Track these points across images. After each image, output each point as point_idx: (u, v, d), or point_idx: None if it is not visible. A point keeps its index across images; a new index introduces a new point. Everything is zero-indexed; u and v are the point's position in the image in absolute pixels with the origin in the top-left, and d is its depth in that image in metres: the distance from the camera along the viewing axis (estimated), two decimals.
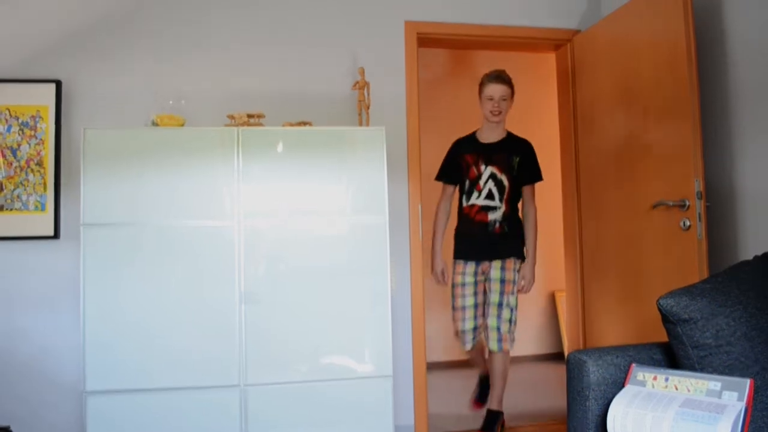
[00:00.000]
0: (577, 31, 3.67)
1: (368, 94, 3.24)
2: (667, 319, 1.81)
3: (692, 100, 2.59)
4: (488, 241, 3.26)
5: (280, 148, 2.86)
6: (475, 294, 3.29)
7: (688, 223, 2.60)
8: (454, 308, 3.34)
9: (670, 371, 1.74)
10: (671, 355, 1.90)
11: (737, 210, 2.64)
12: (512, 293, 3.23)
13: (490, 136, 3.36)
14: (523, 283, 3.28)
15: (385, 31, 3.50)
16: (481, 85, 3.33)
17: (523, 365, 5.06)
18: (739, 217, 2.63)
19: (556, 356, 5.24)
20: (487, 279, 3.29)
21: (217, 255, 2.79)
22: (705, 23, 2.79)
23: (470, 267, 3.30)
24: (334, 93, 3.40)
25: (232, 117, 2.94)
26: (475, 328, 3.30)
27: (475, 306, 3.29)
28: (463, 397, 4.09)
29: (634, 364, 1.81)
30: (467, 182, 3.33)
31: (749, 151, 2.58)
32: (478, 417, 3.50)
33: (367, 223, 2.88)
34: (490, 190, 3.26)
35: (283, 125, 2.97)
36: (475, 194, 3.29)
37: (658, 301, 1.80)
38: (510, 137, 3.38)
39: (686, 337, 1.78)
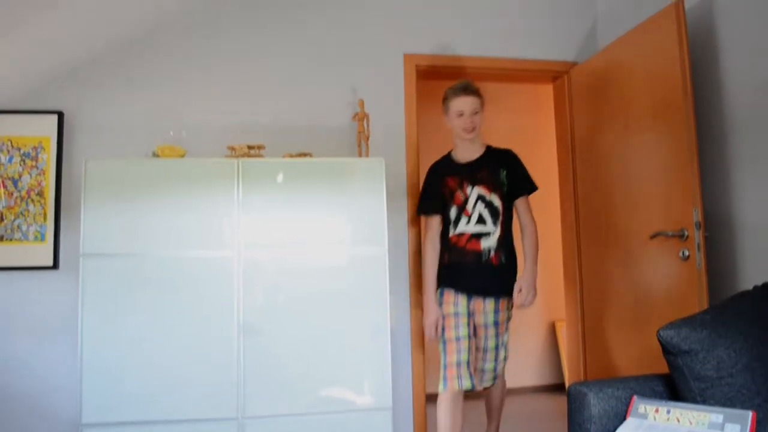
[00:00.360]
0: (574, 63, 3.72)
1: (368, 126, 3.26)
2: (667, 350, 1.80)
3: (689, 130, 2.61)
4: (483, 274, 2.83)
5: (280, 179, 2.88)
6: (468, 325, 2.83)
7: (687, 253, 2.60)
8: (446, 340, 2.81)
9: (672, 403, 1.73)
10: (673, 387, 1.89)
11: (736, 239, 2.64)
12: (506, 331, 2.92)
13: (468, 154, 2.96)
14: (524, 295, 2.81)
15: (384, 64, 3.55)
16: (446, 100, 2.93)
17: (523, 397, 5.00)
18: (738, 246, 2.63)
19: (557, 387, 5.19)
20: (479, 321, 2.87)
21: (217, 286, 2.79)
22: (700, 54, 2.83)
23: (462, 299, 2.84)
24: (334, 124, 3.43)
25: (232, 148, 2.96)
26: (469, 362, 2.78)
27: (469, 337, 2.82)
28: (463, 428, 4.04)
29: (635, 396, 1.80)
30: (453, 209, 2.89)
31: (746, 181, 2.59)
32: None
33: (367, 255, 2.89)
34: (480, 214, 2.85)
35: (284, 156, 2.99)
36: (464, 220, 2.86)
37: (658, 332, 1.80)
38: (490, 151, 2.97)
39: (687, 369, 1.77)
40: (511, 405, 4.73)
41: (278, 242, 2.84)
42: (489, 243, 2.84)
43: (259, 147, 2.98)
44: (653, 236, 2.78)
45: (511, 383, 5.13)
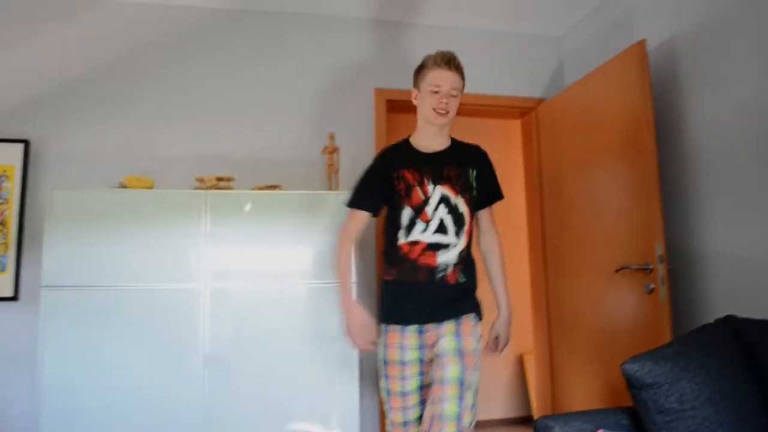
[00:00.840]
0: (541, 100, 3.80)
1: (338, 159, 3.28)
2: (631, 383, 1.82)
3: (651, 166, 2.68)
4: (437, 296, 2.21)
5: (248, 210, 2.87)
6: (420, 375, 2.21)
7: (651, 286, 2.64)
8: (389, 392, 2.23)
9: None
10: (638, 420, 1.90)
11: (699, 272, 2.70)
12: (475, 369, 2.14)
13: (432, 143, 2.34)
14: (502, 344, 2.35)
15: (355, 98, 3.58)
16: (423, 68, 2.33)
17: (491, 430, 4.98)
18: (701, 279, 2.69)
19: (525, 420, 5.18)
20: (436, 350, 2.17)
21: (183, 318, 2.74)
22: (663, 93, 2.92)
23: (411, 337, 2.21)
24: (304, 157, 3.44)
25: (201, 180, 2.95)
26: (419, 419, 2.21)
27: (420, 388, 2.21)
28: None
29: (601, 430, 1.81)
30: (407, 211, 2.24)
31: (707, 214, 2.66)
32: None
33: (336, 287, 2.87)
34: (441, 221, 2.22)
35: (253, 188, 2.99)
36: (420, 226, 2.22)
37: (622, 366, 1.82)
38: (457, 144, 2.40)
39: (651, 402, 1.79)
40: None
41: (246, 274, 2.82)
42: (447, 258, 2.21)
43: (229, 179, 2.97)
44: (618, 270, 2.82)
45: (479, 416, 5.11)
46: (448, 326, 2.17)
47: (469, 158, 2.35)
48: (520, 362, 5.29)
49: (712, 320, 2.22)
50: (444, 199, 2.24)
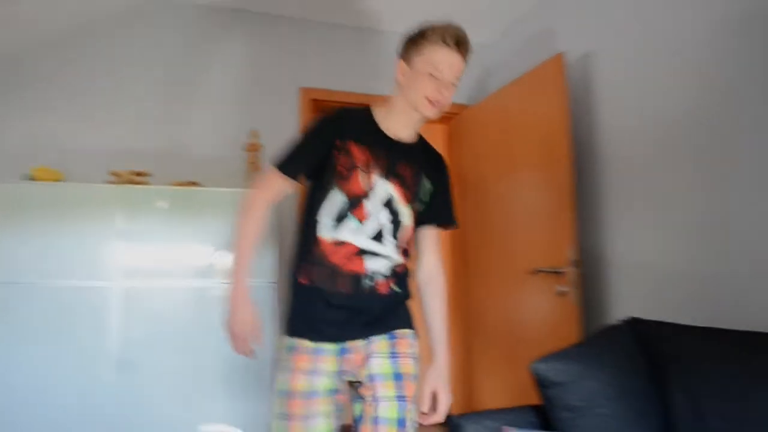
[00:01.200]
0: (466, 106, 3.87)
1: (261, 156, 3.24)
2: (539, 382, 1.88)
3: (567, 174, 2.78)
4: (366, 307, 1.71)
5: (165, 207, 2.79)
6: (333, 413, 1.65)
7: (563, 289, 2.74)
8: (288, 415, 1.63)
9: None
10: (546, 417, 1.97)
11: (607, 276, 2.81)
12: (414, 399, 1.70)
13: (402, 130, 1.81)
14: (442, 404, 1.75)
15: (280, 96, 3.55)
16: (423, 40, 1.75)
17: None
18: (609, 282, 2.80)
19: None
20: (365, 377, 1.68)
21: (93, 317, 2.65)
22: (579, 103, 3.03)
23: (327, 359, 1.67)
24: (225, 154, 3.38)
25: (116, 174, 2.85)
26: None
27: (331, 415, 1.65)
28: None
29: (506, 428, 1.86)
30: (339, 197, 1.71)
31: (617, 221, 2.78)
32: None
33: (255, 286, 2.83)
34: (380, 227, 1.73)
35: (171, 184, 2.91)
36: (352, 223, 1.70)
37: (531, 365, 1.87)
38: (424, 144, 1.91)
39: (557, 400, 1.85)
40: None
41: (162, 273, 2.75)
42: (377, 266, 1.72)
43: (145, 173, 2.89)
44: (534, 273, 2.91)
45: None
46: (379, 343, 1.70)
47: (429, 166, 1.86)
48: None
49: (617, 321, 2.32)
50: (389, 201, 1.74)
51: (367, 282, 1.70)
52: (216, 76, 3.47)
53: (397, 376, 1.67)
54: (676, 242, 2.46)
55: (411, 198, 1.78)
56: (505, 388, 3.19)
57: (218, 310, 2.81)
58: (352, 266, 1.70)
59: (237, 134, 3.42)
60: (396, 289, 1.76)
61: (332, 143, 1.72)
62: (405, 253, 1.81)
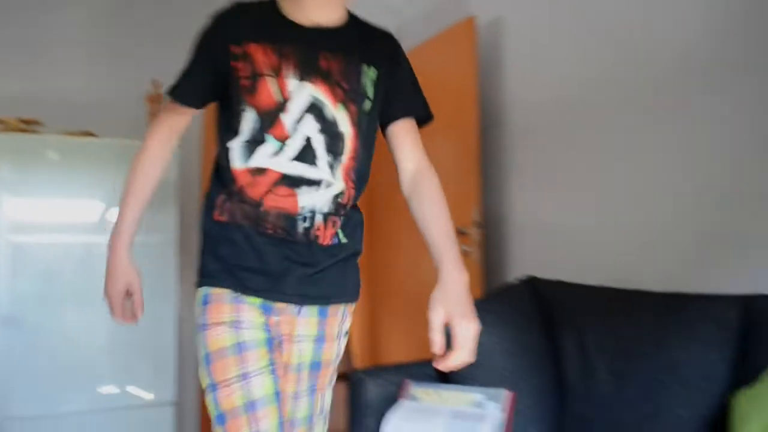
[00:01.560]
0: None
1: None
2: None
3: (474, 138, 2.83)
4: (298, 260, 1.36)
5: (57, 158, 2.64)
6: (272, 364, 1.32)
7: (466, 249, 2.81)
8: (222, 417, 1.27)
9: (441, 386, 1.86)
10: (444, 372, 2.03)
11: (509, 237, 2.92)
12: (330, 383, 1.49)
13: (316, 11, 1.39)
14: (462, 345, 1.31)
15: (183, 45, 3.40)
16: None
17: None
18: (510, 243, 2.91)
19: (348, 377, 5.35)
20: (285, 357, 1.40)
21: None
22: (489, 70, 3.07)
23: (250, 310, 1.33)
24: (125, 104, 3.22)
25: (1, 121, 2.66)
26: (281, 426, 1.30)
27: (277, 395, 1.30)
28: None
29: (407, 381, 1.91)
30: (249, 114, 1.34)
31: (518, 185, 2.87)
32: None
33: (154, 242, 2.75)
34: (308, 142, 1.35)
35: (64, 134, 2.75)
36: (270, 145, 1.34)
37: None
38: (358, 23, 1.49)
39: None
40: None
41: (53, 227, 2.61)
42: (314, 200, 1.35)
43: (34, 122, 2.71)
44: None
45: None
46: (308, 321, 1.40)
47: (370, 50, 1.44)
48: None
49: (516, 280, 2.41)
50: (314, 108, 1.34)
51: (301, 225, 1.32)
52: (116, 20, 3.27)
53: (315, 366, 1.42)
54: (574, 205, 2.57)
55: (345, 96, 1.35)
56: (409, 344, 3.27)
57: None
58: (281, 202, 1.31)
59: (137, 84, 3.26)
60: (342, 238, 1.40)
61: (226, 51, 1.33)
62: (355, 180, 1.42)
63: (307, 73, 1.33)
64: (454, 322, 1.28)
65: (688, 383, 1.72)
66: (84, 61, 3.18)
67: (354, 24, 1.46)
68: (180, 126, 1.50)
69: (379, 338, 3.60)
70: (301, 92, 1.33)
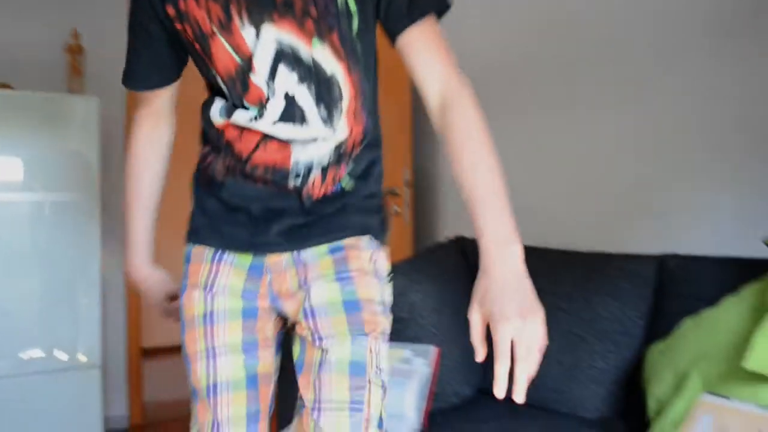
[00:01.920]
0: None
1: (84, 60, 2.96)
2: None
3: (405, 97, 2.82)
4: (286, 208, 1.11)
5: None
6: (250, 348, 1.11)
7: (397, 209, 2.83)
8: (194, 392, 1.14)
9: None
10: None
11: (440, 198, 2.95)
12: (382, 335, 1.10)
13: None
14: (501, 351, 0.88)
15: None
16: None
17: None
18: (441, 203, 2.95)
19: None
20: (298, 314, 1.09)
21: None
22: None
23: (230, 272, 1.11)
24: (43, 55, 3.04)
25: None
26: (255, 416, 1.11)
27: (252, 380, 1.11)
28: (183, 382, 4.00)
29: None
30: (220, 81, 1.07)
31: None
32: None
33: (76, 201, 2.64)
34: (290, 99, 1.04)
35: None
36: (250, 112, 1.05)
37: None
38: None
39: None
40: None
41: None
42: (311, 154, 1.10)
43: None
44: None
45: None
46: (318, 264, 1.10)
47: None
48: None
49: (445, 240, 2.45)
50: (285, 55, 1.03)
51: (293, 180, 1.09)
52: None
53: (350, 305, 1.08)
54: (504, 165, 2.62)
55: (318, 27, 1.01)
56: None
57: (31, 227, 2.59)
58: (271, 156, 1.08)
59: (57, 34, 3.07)
60: (347, 183, 1.14)
61: (164, 17, 1.06)
62: (365, 119, 1.15)
63: (261, 14, 1.01)
64: (493, 326, 0.90)
65: (607, 337, 1.80)
66: None
67: None
68: (158, 108, 1.24)
69: None
70: (264, 41, 1.02)
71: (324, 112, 1.06)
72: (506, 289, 0.91)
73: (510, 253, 0.95)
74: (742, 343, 1.22)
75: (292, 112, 1.04)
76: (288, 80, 1.03)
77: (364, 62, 1.11)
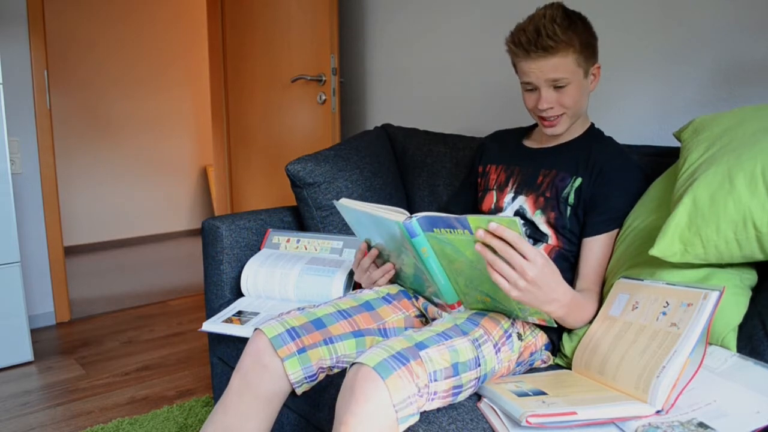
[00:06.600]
0: None
1: None
2: (294, 183, 1.94)
3: None
4: None
5: None
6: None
7: (324, 97, 2.77)
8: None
9: (302, 234, 1.89)
10: (299, 216, 2.06)
11: (367, 87, 2.90)
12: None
13: (544, 136, 1.60)
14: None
15: None
16: (511, 53, 1.48)
17: (177, 241, 5.05)
18: (369, 93, 2.90)
19: None
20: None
21: None
22: None
23: None
24: None
25: None
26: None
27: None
28: (109, 278, 3.97)
29: (270, 230, 1.92)
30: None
31: (378, 34, 2.81)
32: (125, 297, 3.44)
33: None
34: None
35: None
36: None
37: (286, 167, 1.91)
38: (588, 134, 1.57)
39: (311, 200, 1.94)
40: (165, 250, 4.75)
41: None
42: None
43: None
44: (294, 80, 2.88)
45: (163, 228, 5.11)
46: None
47: (582, 157, 1.51)
48: (204, 174, 5.33)
49: (372, 128, 2.43)
50: (518, 213, 1.54)
51: None
52: None
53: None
54: (430, 56, 2.57)
55: (546, 204, 1.52)
56: (267, 195, 3.26)
57: None
58: None
59: None
60: None
61: (473, 172, 1.77)
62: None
63: (521, 187, 1.56)
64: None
65: None
66: None
67: (585, 135, 1.56)
68: None
69: (236, 189, 3.56)
70: (513, 202, 1.56)
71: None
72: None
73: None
74: (652, 231, 1.32)
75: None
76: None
77: (569, 231, 1.51)
